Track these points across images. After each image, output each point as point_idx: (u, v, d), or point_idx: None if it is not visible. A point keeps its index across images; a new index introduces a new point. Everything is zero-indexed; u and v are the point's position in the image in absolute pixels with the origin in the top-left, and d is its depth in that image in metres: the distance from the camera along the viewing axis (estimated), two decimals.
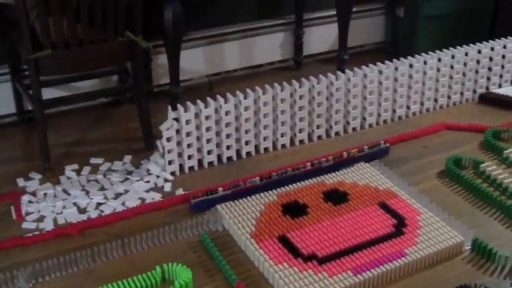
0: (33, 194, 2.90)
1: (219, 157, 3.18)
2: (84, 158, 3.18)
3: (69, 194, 2.90)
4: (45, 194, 2.89)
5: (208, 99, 3.08)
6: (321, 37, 4.25)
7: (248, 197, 2.81)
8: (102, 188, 2.94)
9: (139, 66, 3.14)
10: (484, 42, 3.80)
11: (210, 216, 2.69)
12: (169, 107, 3.04)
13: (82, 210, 2.80)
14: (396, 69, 3.48)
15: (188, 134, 3.05)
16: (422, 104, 3.66)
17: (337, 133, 3.44)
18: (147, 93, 3.28)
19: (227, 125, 3.12)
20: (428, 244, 2.53)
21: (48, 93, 3.19)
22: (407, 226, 2.64)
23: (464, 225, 2.66)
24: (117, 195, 2.89)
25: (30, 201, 2.84)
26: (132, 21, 2.97)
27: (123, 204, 2.83)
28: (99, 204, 2.83)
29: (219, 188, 2.80)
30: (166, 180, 3.03)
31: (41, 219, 2.73)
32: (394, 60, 3.51)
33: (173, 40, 3.20)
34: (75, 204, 2.83)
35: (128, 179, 3.01)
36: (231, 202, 2.77)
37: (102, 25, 2.89)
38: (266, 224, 2.64)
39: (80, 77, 3.48)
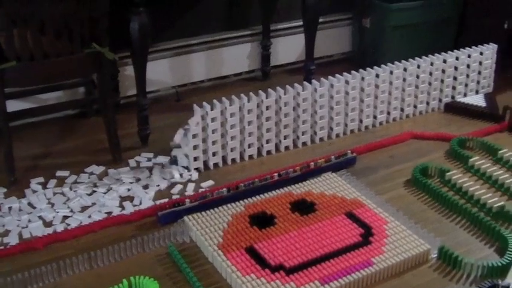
0: None
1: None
2: (50, 170, 3.15)
3: (34, 208, 2.87)
4: (10, 208, 2.86)
5: None
6: (288, 48, 4.26)
7: (215, 208, 2.80)
8: (68, 201, 2.92)
9: (105, 78, 3.12)
10: (449, 51, 3.84)
11: (177, 228, 2.68)
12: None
13: (48, 224, 2.77)
14: (363, 79, 3.50)
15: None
16: (388, 113, 3.68)
17: (304, 143, 3.45)
18: (113, 105, 3.26)
19: (194, 136, 3.11)
20: (395, 253, 2.54)
21: (13, 106, 3.17)
22: (374, 235, 2.65)
23: (431, 234, 2.68)
24: (84, 208, 2.87)
25: None
26: (98, 32, 2.96)
27: (89, 217, 2.80)
28: (65, 217, 2.81)
29: (186, 200, 2.79)
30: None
31: (5, 233, 2.70)
32: (361, 70, 3.53)
33: (140, 51, 3.19)
34: (40, 217, 2.80)
35: (94, 191, 2.99)
36: (199, 213, 2.76)
37: (68, 37, 2.88)
38: (233, 235, 2.64)
39: (46, 89, 3.46)
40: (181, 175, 3.14)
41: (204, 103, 3.15)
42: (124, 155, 3.26)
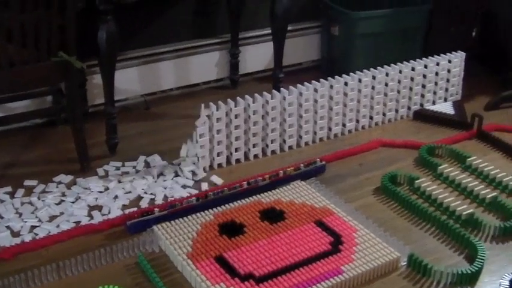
0: None
1: None
2: (18, 180, 3.12)
3: (2, 218, 2.83)
4: None
5: None
6: (256, 56, 4.26)
7: (185, 217, 2.79)
8: (36, 211, 2.88)
9: (73, 87, 3.10)
10: (418, 59, 3.86)
11: (146, 238, 2.66)
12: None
13: (15, 234, 2.73)
14: (331, 87, 3.51)
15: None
16: (357, 121, 3.69)
17: (273, 152, 3.44)
18: (82, 114, 3.24)
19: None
20: (364, 261, 2.55)
21: None
22: (344, 243, 2.65)
23: (400, 241, 2.69)
24: (52, 218, 2.84)
25: None
26: (65, 41, 2.94)
27: (57, 226, 2.78)
28: (33, 227, 2.78)
29: (155, 209, 2.77)
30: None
31: None
32: (329, 78, 3.53)
33: (107, 60, 3.17)
34: (8, 227, 2.76)
35: (63, 201, 2.96)
36: (168, 222, 2.74)
37: (35, 45, 2.85)
38: (203, 244, 2.62)
39: (13, 98, 3.41)
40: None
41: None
42: (92, 163, 3.23)
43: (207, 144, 3.20)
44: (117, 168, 3.23)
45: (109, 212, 2.89)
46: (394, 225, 2.86)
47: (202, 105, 3.14)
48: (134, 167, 3.24)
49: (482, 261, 2.58)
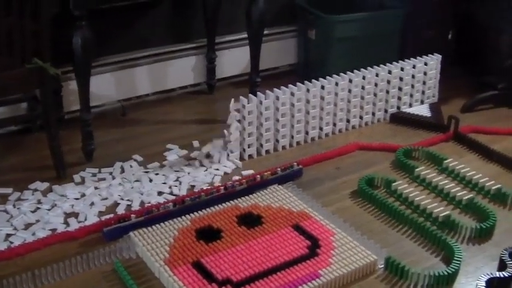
0: None
1: None
2: None
3: None
4: None
5: None
6: (233, 60, 4.26)
7: (162, 223, 2.77)
8: (12, 219, 2.86)
9: (48, 93, 3.08)
10: (394, 62, 3.87)
11: (123, 244, 2.65)
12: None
13: None
14: (308, 91, 3.51)
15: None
16: (334, 125, 3.69)
17: (250, 156, 3.44)
18: (57, 121, 3.22)
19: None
20: (342, 264, 2.54)
21: None
22: (321, 247, 2.65)
23: (377, 244, 2.69)
24: (27, 226, 2.81)
25: None
26: (39, 47, 2.92)
27: (33, 234, 2.75)
28: (8, 235, 2.75)
29: (132, 215, 2.76)
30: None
31: None
32: (306, 82, 3.53)
33: (83, 66, 3.15)
34: None
35: (38, 208, 2.94)
36: (144, 229, 2.73)
37: (8, 52, 2.83)
38: (180, 249, 2.61)
39: None
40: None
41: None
42: (69, 170, 3.21)
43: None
44: (94, 175, 3.21)
45: (85, 219, 2.87)
46: (371, 228, 2.86)
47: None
48: (111, 173, 3.22)
49: (459, 262, 2.59)
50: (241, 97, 3.30)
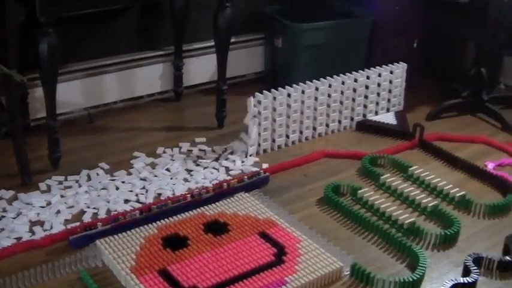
0: None
1: None
2: None
3: None
4: None
5: None
6: (200, 68, 4.26)
7: (128, 231, 2.76)
8: None
9: (14, 100, 3.06)
10: (360, 71, 3.90)
11: (89, 252, 2.64)
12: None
13: None
14: (274, 98, 3.52)
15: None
16: (301, 132, 3.71)
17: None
18: (23, 128, 3.20)
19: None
20: (308, 271, 2.56)
21: None
22: (288, 254, 2.66)
23: (343, 251, 2.71)
24: None
25: None
26: (5, 54, 2.90)
27: None
28: None
29: (98, 223, 2.75)
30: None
31: None
32: (273, 90, 3.54)
33: (49, 73, 3.14)
34: None
35: (3, 216, 2.91)
36: (111, 237, 2.72)
37: None
38: (146, 257, 2.61)
39: None
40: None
41: None
42: (34, 178, 3.19)
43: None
44: (60, 183, 3.20)
45: (51, 227, 2.85)
46: (337, 235, 2.88)
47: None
48: (77, 181, 3.21)
49: (424, 269, 2.61)
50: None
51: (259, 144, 3.51)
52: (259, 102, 3.35)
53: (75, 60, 3.81)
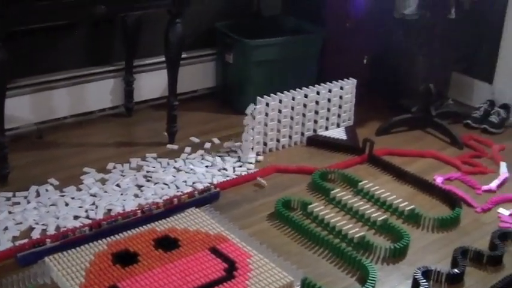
0: None
1: None
2: None
3: None
4: None
5: None
6: (152, 83, 4.25)
7: (77, 248, 2.74)
8: None
9: None
10: (311, 86, 3.92)
11: (37, 270, 2.61)
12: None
13: None
14: None
15: None
16: (252, 148, 3.71)
17: None
18: None
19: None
20: (259, 286, 2.57)
21: None
22: (238, 269, 2.66)
23: (294, 266, 2.72)
24: None
25: None
26: None
27: None
28: None
29: (47, 240, 2.72)
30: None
31: None
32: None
33: None
34: None
35: None
36: (60, 253, 2.69)
37: None
38: (96, 274, 2.59)
39: None
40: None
41: None
42: None
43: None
44: (8, 199, 3.15)
45: None
46: (288, 250, 2.89)
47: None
48: (26, 197, 3.17)
49: (374, 282, 2.64)
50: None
51: None
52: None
53: (24, 75, 3.77)
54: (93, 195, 3.23)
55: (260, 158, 3.67)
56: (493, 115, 4.26)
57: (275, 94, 3.76)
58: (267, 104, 3.67)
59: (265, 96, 3.71)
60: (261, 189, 3.38)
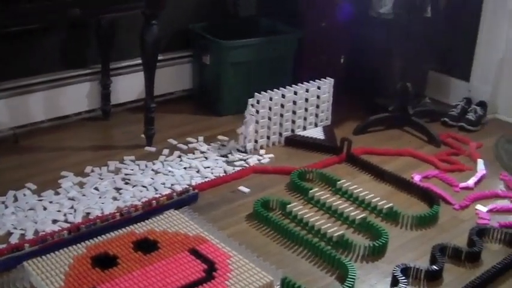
0: None
1: None
2: None
3: None
4: None
5: None
6: (128, 86, 4.24)
7: (56, 252, 2.72)
8: None
9: None
10: (288, 86, 3.93)
11: (16, 274, 2.60)
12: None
13: None
14: None
15: None
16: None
17: None
18: None
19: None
20: (238, 287, 2.56)
21: None
22: (218, 270, 2.66)
23: (273, 266, 2.73)
24: None
25: None
26: None
27: None
28: None
29: (26, 244, 2.71)
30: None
31: None
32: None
33: None
34: None
35: None
36: (39, 258, 2.68)
37: None
38: (75, 278, 2.58)
39: None
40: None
41: None
42: None
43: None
44: None
45: None
46: (267, 250, 2.89)
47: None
48: (3, 202, 3.15)
49: (353, 280, 2.65)
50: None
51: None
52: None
53: (0, 79, 3.74)
54: (72, 199, 3.21)
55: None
56: (470, 113, 4.29)
57: (252, 95, 3.76)
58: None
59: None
60: (238, 191, 3.38)
